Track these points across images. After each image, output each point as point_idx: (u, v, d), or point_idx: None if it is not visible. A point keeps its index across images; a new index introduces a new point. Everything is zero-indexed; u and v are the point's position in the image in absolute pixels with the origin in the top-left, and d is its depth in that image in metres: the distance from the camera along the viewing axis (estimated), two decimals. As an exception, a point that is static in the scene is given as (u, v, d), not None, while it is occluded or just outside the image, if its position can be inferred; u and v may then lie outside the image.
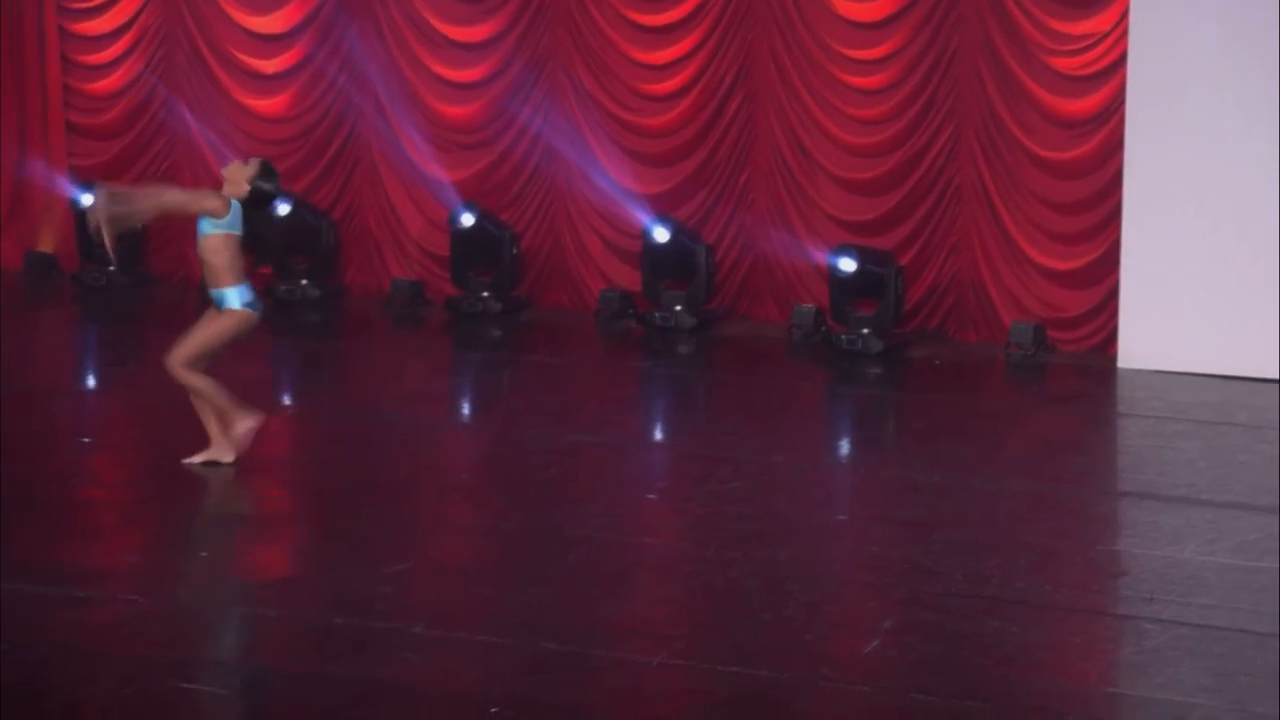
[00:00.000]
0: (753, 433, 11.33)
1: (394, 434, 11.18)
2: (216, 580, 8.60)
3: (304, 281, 14.91)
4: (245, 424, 9.97)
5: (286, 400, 12.71)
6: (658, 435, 11.98)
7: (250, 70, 15.35)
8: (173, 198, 10.33)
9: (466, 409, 12.62)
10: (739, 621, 8.04)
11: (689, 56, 14.44)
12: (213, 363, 10.12)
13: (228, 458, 9.99)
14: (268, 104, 15.35)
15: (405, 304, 14.81)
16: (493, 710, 7.03)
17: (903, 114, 13.91)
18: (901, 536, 9.26)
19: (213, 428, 10.01)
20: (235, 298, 9.90)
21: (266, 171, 9.96)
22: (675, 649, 7.79)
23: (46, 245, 15.74)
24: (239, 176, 9.93)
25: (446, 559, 9.09)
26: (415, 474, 10.45)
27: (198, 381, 9.91)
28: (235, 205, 9.86)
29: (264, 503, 10.05)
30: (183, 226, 15.51)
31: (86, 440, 11.24)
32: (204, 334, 9.95)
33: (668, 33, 14.48)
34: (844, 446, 11.90)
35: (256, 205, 9.93)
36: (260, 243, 10.13)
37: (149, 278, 15.37)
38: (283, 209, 10.67)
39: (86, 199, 15.28)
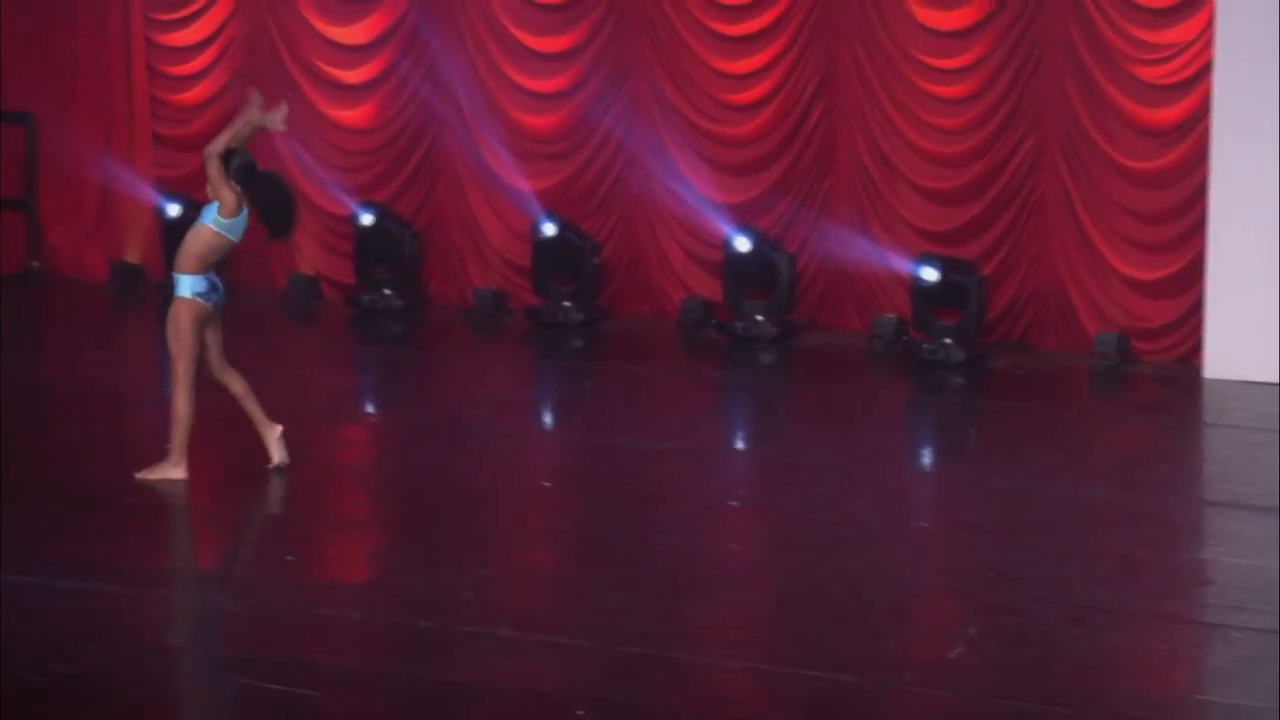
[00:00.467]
0: (834, 440, 11.32)
1: (476, 441, 11.23)
2: (300, 583, 8.65)
3: (387, 291, 15.00)
4: (173, 472, 9.88)
5: (369, 408, 12.79)
6: (739, 443, 11.98)
7: (334, 81, 15.47)
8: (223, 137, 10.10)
9: (548, 417, 12.66)
10: (821, 626, 8.04)
11: (771, 66, 14.45)
12: (215, 352, 10.03)
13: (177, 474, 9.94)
14: (351, 115, 15.45)
15: (487, 314, 14.88)
16: (578, 712, 7.05)
17: (985, 123, 13.87)
18: (984, 543, 9.23)
19: (261, 425, 10.02)
20: (187, 286, 9.89)
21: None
22: (757, 653, 7.80)
23: (133, 255, 15.90)
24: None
25: (528, 564, 9.12)
26: (497, 480, 10.48)
27: (181, 405, 9.85)
28: (242, 218, 9.88)
29: (348, 508, 10.12)
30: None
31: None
32: (171, 345, 9.89)
33: (750, 42, 14.49)
34: (925, 454, 11.87)
35: (242, 178, 9.83)
36: (274, 217, 10.03)
37: (234, 286, 15.43)
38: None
39: (172, 209, 15.45)
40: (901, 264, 13.91)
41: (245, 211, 9.87)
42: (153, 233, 15.73)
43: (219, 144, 9.83)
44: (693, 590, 8.58)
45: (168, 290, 14.97)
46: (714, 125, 14.65)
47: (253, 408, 10.05)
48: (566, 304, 14.57)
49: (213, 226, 9.86)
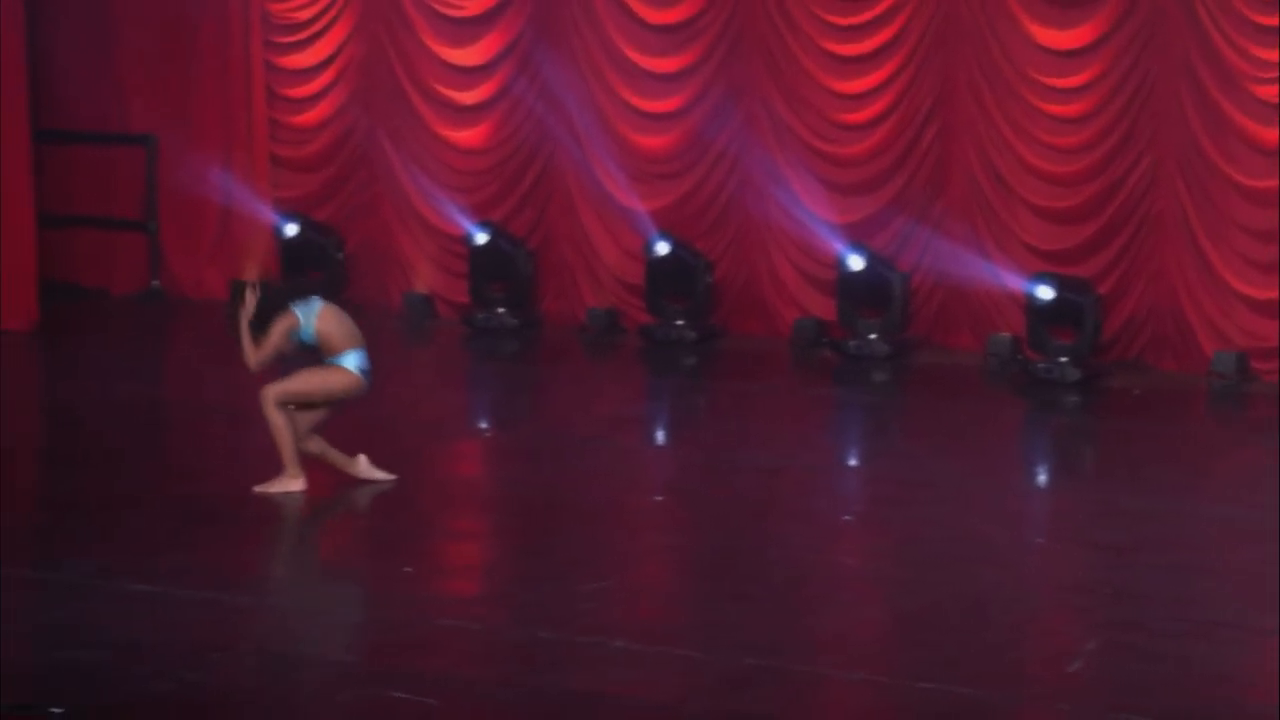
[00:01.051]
0: (950, 458, 11.29)
1: (591, 457, 11.29)
2: (418, 594, 8.72)
3: (501, 310, 15.10)
4: (291, 485, 10.08)
5: (484, 424, 12.89)
6: (854, 459, 11.97)
7: (449, 102, 15.60)
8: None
9: (662, 433, 12.71)
10: (939, 641, 8.02)
11: (885, 85, 14.45)
12: (318, 422, 10.22)
13: (296, 486, 10.12)
14: (466, 135, 15.58)
15: (600, 332, 14.95)
16: (695, 722, 7.08)
17: (1102, 142, 13.80)
18: (1104, 560, 9.18)
19: (287, 454, 10.15)
20: (352, 360, 10.07)
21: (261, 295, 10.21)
22: (875, 666, 7.79)
23: (251, 275, 16.06)
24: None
25: (645, 577, 9.16)
26: (612, 495, 10.53)
27: (277, 419, 10.03)
28: (304, 327, 10.08)
29: (464, 521, 10.19)
30: (385, 252, 15.83)
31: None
32: (310, 379, 10.10)
33: (864, 62, 14.49)
34: (1042, 472, 11.81)
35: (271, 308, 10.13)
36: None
37: (351, 304, 15.58)
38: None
39: (290, 229, 15.62)
40: (1016, 283, 13.85)
41: (301, 319, 10.07)
42: (271, 253, 15.91)
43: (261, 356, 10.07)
44: (810, 604, 8.59)
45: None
46: (828, 145, 14.66)
47: (335, 456, 10.26)
48: (679, 322, 14.61)
49: (304, 340, 10.18)
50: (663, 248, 14.67)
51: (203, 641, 7.82)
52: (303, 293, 10.24)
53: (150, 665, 7.51)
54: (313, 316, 10.13)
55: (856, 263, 14.15)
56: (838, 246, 14.38)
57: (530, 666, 7.68)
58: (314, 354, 10.24)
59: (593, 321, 15.04)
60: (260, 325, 10.14)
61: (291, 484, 10.05)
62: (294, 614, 8.49)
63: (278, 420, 10.05)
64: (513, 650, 7.92)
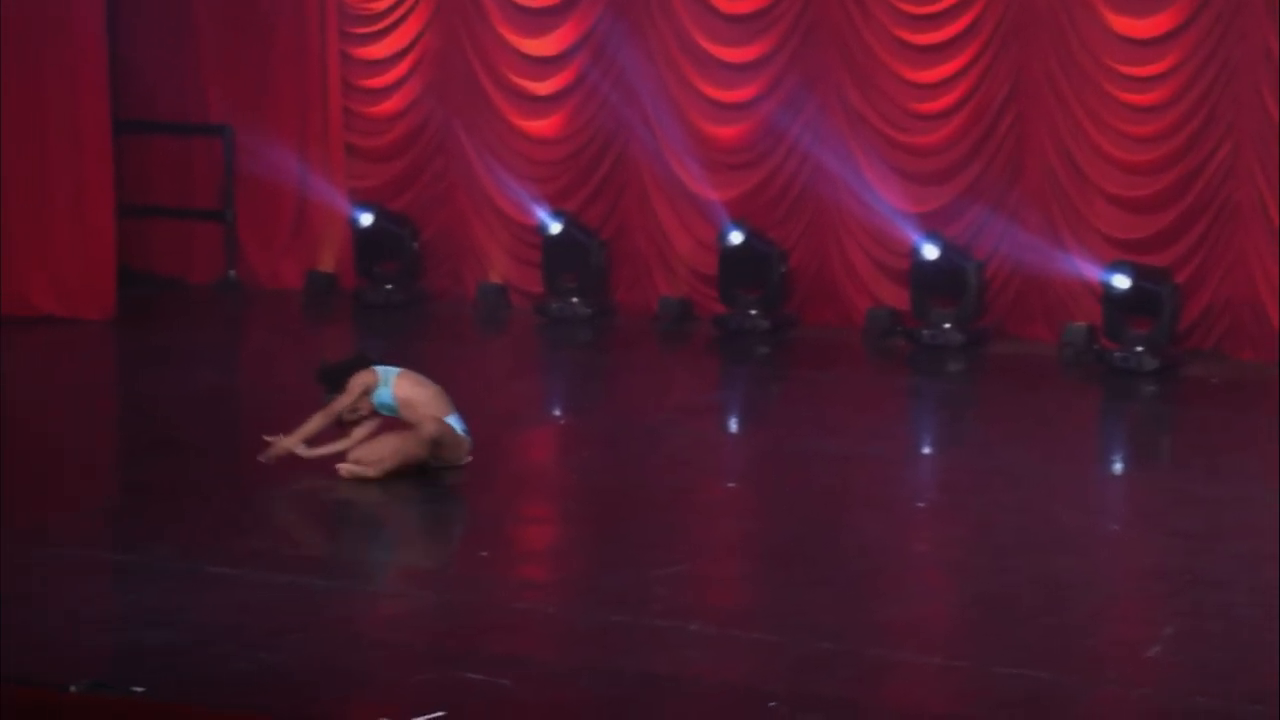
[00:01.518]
0: (1027, 446, 11.24)
1: (664, 444, 11.29)
2: (494, 578, 8.75)
3: (574, 300, 15.12)
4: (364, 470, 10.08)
5: (558, 413, 12.91)
6: (929, 447, 11.92)
7: (524, 92, 15.63)
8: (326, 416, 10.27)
9: (735, 421, 12.69)
10: (1016, 626, 7.99)
11: (960, 74, 14.38)
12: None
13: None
14: (540, 125, 15.60)
15: (673, 321, 14.94)
16: (771, 704, 7.06)
17: (1179, 130, 13.70)
18: (1182, 547, 9.12)
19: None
20: (457, 423, 10.05)
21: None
22: (952, 651, 7.77)
23: (326, 264, 16.17)
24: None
25: (720, 562, 9.16)
26: (686, 482, 10.53)
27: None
28: (381, 396, 10.07)
29: (538, 507, 10.21)
30: (459, 242, 15.88)
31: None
32: (405, 448, 10.02)
33: (939, 51, 14.43)
34: (1119, 460, 11.74)
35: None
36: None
37: (425, 294, 15.70)
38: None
39: (365, 219, 15.68)
40: (1092, 271, 13.77)
41: (378, 389, 10.05)
42: (346, 243, 15.98)
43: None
44: (885, 589, 8.57)
45: (363, 298, 15.37)
46: (902, 134, 14.61)
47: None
48: (753, 312, 14.60)
49: (383, 412, 10.14)
50: (736, 237, 14.66)
51: (279, 623, 7.86)
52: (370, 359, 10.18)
53: (228, 646, 7.56)
54: (391, 379, 10.05)
55: (931, 252, 14.10)
56: (912, 235, 14.33)
57: (605, 649, 7.69)
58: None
59: (665, 311, 15.04)
60: (335, 384, 10.06)
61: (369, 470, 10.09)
62: (369, 597, 8.53)
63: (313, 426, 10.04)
64: (587, 633, 7.94)
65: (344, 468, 9.99)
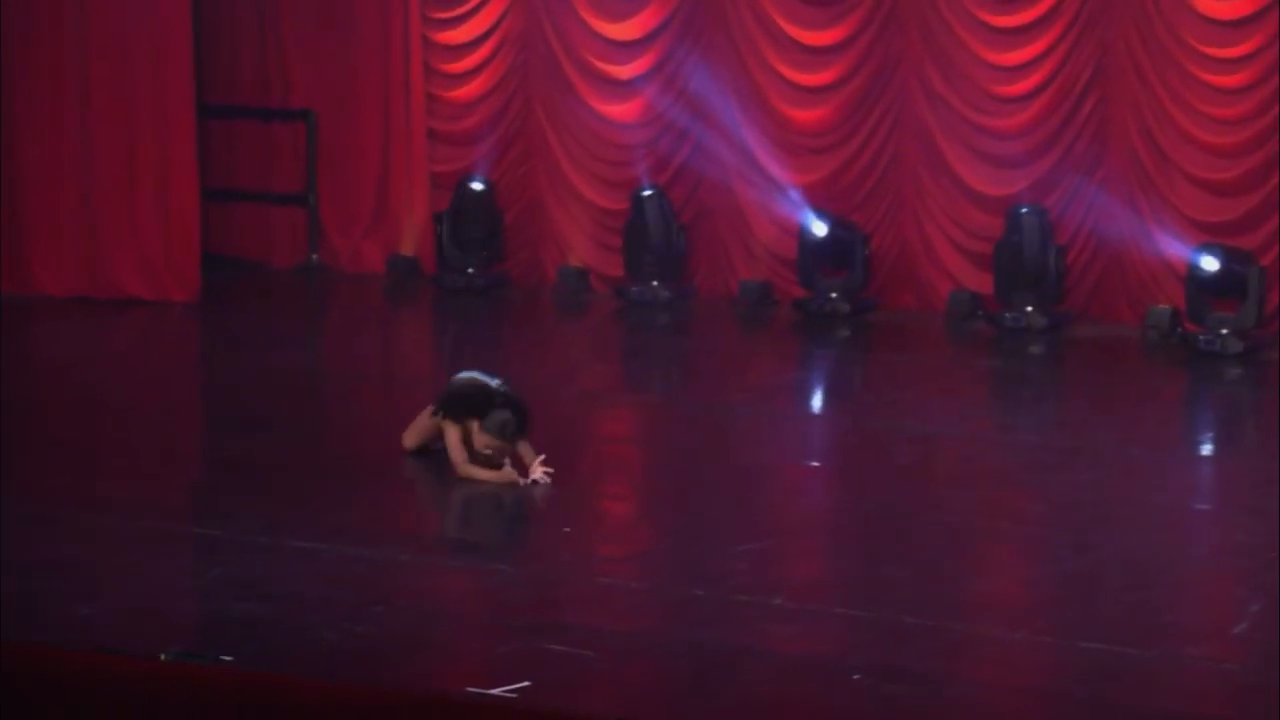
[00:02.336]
0: (1108, 426, 11.19)
1: (745, 424, 11.31)
2: (577, 553, 8.78)
3: (654, 283, 15.14)
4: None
5: (640, 393, 12.93)
6: (1011, 428, 11.88)
7: (606, 76, 15.66)
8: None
9: (817, 401, 12.69)
10: (1100, 601, 7.97)
11: (1043, 57, 14.31)
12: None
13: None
14: (621, 109, 15.62)
15: (753, 305, 14.94)
16: (855, 676, 7.07)
17: (1265, 112, 13.58)
18: (1266, 526, 9.04)
19: None
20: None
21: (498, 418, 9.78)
22: (1036, 625, 7.75)
23: (408, 248, 16.25)
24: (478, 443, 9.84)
25: (801, 539, 9.16)
26: (767, 460, 10.55)
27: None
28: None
29: (621, 486, 10.24)
30: (541, 227, 15.93)
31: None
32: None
33: (1022, 34, 14.36)
34: (1204, 440, 11.66)
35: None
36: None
37: (506, 279, 15.76)
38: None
39: (458, 196, 15.69)
40: (1176, 254, 13.67)
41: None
42: (427, 227, 16.05)
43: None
44: (968, 565, 8.57)
45: (442, 283, 15.44)
46: (984, 117, 14.55)
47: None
48: (833, 295, 14.57)
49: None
50: (816, 221, 14.63)
51: (365, 595, 7.92)
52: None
53: (314, 616, 7.63)
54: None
55: (1016, 234, 14.03)
56: (993, 219, 14.27)
57: (687, 623, 7.71)
58: None
59: (745, 294, 15.03)
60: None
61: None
62: (453, 572, 8.59)
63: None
64: (670, 606, 7.97)
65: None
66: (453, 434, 9.76)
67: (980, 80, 14.52)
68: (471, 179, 15.88)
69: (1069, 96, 14.26)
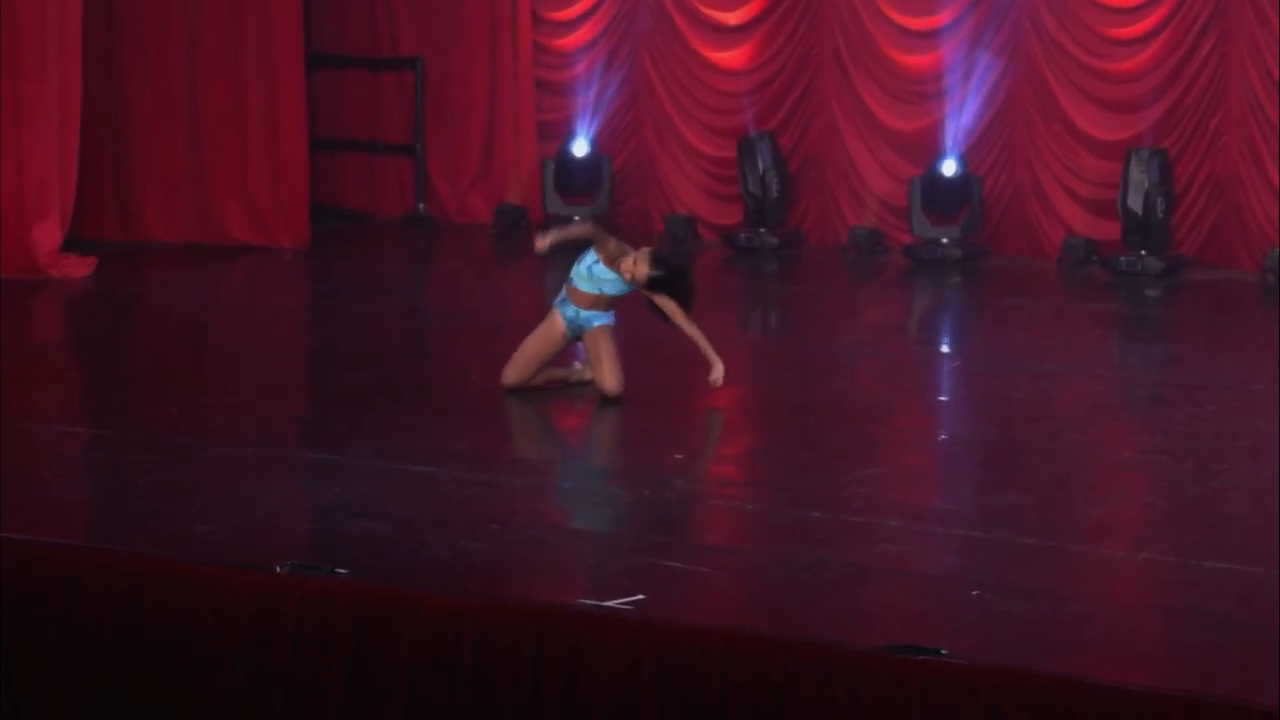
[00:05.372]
0: (1228, 365, 11.01)
1: (860, 363, 11.21)
2: (691, 478, 8.72)
3: (762, 230, 15.03)
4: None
5: (753, 333, 12.85)
6: (1128, 365, 11.72)
7: (713, 23, 15.55)
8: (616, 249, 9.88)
9: (931, 342, 12.55)
10: (1223, 525, 7.82)
11: (1159, -1, 14.11)
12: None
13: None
14: (729, 56, 15.52)
15: (863, 251, 14.81)
16: (974, 593, 6.96)
17: (1387, 48, 13.34)
18: (1392, 457, 8.86)
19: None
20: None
21: (656, 260, 9.70)
22: (1159, 547, 7.61)
23: (515, 197, 16.21)
24: (636, 272, 9.70)
25: (917, 466, 9.06)
26: (884, 397, 10.44)
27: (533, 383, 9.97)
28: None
29: (736, 418, 10.15)
30: (647, 175, 15.85)
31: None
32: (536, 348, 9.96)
33: (1137, -26, 14.16)
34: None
35: (660, 287, 9.75)
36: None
37: (615, 226, 15.62)
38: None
39: (574, 146, 15.66)
40: (1295, 197, 13.45)
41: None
42: (535, 176, 16.01)
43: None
44: (1089, 491, 8.43)
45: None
46: (1098, 60, 14.35)
47: (560, 373, 10.15)
48: (944, 241, 14.42)
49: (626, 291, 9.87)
50: (930, 168, 14.49)
51: (478, 515, 7.88)
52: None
53: (429, 535, 7.59)
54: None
55: (1137, 179, 13.79)
56: (1106, 164, 14.08)
57: (804, 542, 7.62)
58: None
59: (855, 241, 14.90)
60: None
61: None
62: (566, 494, 8.54)
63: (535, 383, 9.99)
64: (785, 528, 7.87)
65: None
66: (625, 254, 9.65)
67: (1094, 23, 14.32)
68: (573, 135, 15.82)
69: (1187, 38, 14.04)
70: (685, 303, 9.77)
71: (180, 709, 6.97)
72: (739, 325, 13.14)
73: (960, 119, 14.69)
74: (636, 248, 9.92)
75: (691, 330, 9.82)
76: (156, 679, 7.00)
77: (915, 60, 14.90)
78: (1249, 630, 6.58)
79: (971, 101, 14.65)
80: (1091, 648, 6.42)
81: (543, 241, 9.93)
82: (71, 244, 13.68)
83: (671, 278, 9.71)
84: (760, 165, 15.05)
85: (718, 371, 9.77)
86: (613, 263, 9.78)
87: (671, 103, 15.70)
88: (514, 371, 10.01)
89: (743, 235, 15.05)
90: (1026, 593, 6.97)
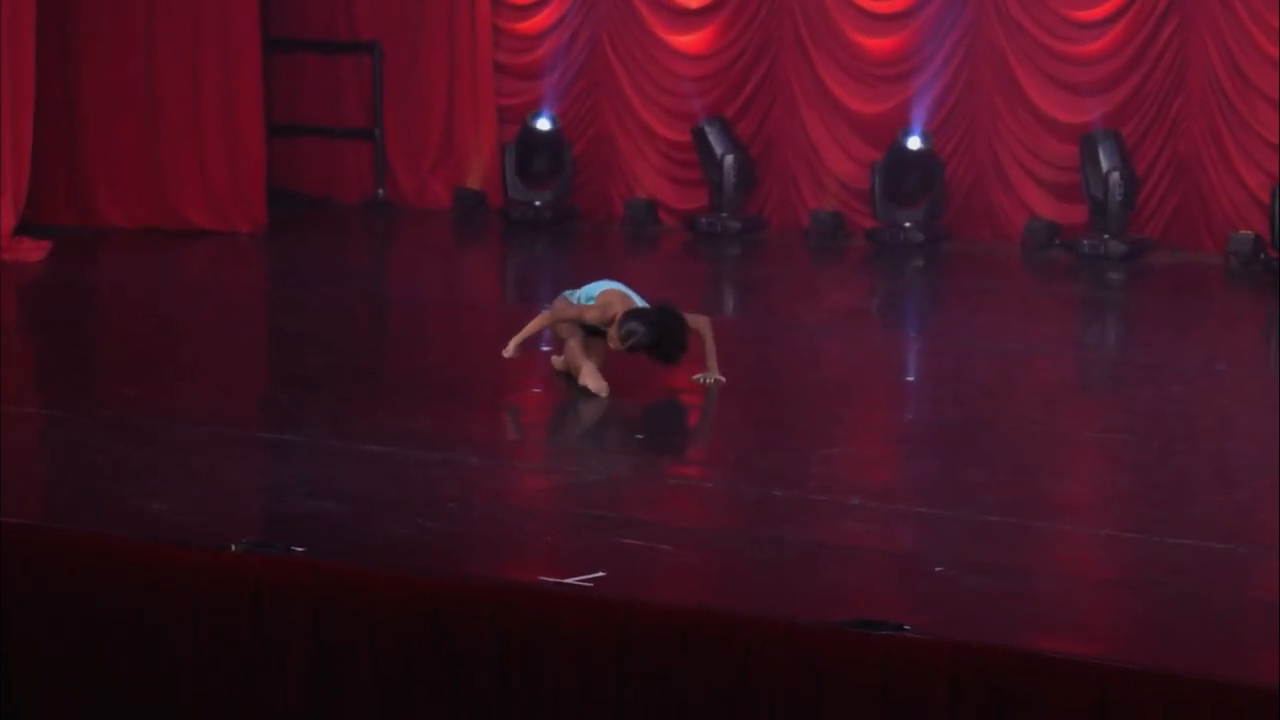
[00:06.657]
0: (1192, 346, 11.01)
1: (820, 343, 11.16)
2: (647, 458, 8.66)
3: (723, 215, 14.97)
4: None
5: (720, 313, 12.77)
6: (1092, 346, 11.69)
7: (673, 6, 15.47)
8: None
9: (892, 323, 12.51)
10: (1186, 502, 7.79)
11: (1121, -20, 14.08)
12: None
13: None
14: (689, 40, 15.44)
15: (825, 236, 14.75)
16: (937, 569, 6.91)
17: (1350, 32, 13.33)
18: (1356, 434, 8.84)
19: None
20: None
21: (625, 336, 9.38)
22: (1122, 524, 7.57)
23: (474, 182, 16.12)
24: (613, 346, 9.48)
25: (879, 445, 9.01)
26: (843, 375, 10.40)
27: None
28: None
29: (695, 397, 10.08)
30: (608, 159, 15.76)
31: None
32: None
33: (1098, -44, 14.14)
34: (1289, 358, 11.47)
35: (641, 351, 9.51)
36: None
37: (573, 212, 15.61)
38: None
39: (539, 124, 15.41)
40: (1258, 180, 13.42)
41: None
42: (494, 160, 15.92)
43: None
44: (1052, 469, 8.40)
45: (509, 217, 15.30)
46: (1060, 43, 14.31)
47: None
48: (907, 225, 14.37)
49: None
50: (892, 150, 14.45)
51: (437, 494, 7.81)
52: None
53: (387, 514, 7.51)
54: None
55: (1089, 161, 13.80)
56: (1069, 147, 14.06)
57: (764, 520, 7.57)
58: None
59: (816, 224, 14.84)
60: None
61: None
62: (526, 473, 8.47)
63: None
64: (746, 505, 7.82)
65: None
66: (593, 312, 9.52)
67: (1056, 5, 14.28)
68: (538, 112, 15.73)
69: (1148, 21, 14.01)
70: (667, 360, 9.55)
71: (138, 686, 6.89)
72: (700, 307, 13.06)
73: (923, 101, 14.64)
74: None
75: (706, 335, 9.66)
76: (114, 658, 6.91)
77: (877, 43, 14.84)
78: (1211, 605, 6.55)
79: (933, 84, 14.60)
80: (1053, 623, 6.37)
81: (509, 349, 9.69)
82: (25, 229, 13.54)
83: (646, 346, 9.51)
84: (717, 151, 14.96)
85: (710, 377, 9.62)
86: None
87: (632, 87, 15.62)
88: (594, 380, 9.56)
89: (704, 220, 14.98)
90: (989, 569, 6.92)
